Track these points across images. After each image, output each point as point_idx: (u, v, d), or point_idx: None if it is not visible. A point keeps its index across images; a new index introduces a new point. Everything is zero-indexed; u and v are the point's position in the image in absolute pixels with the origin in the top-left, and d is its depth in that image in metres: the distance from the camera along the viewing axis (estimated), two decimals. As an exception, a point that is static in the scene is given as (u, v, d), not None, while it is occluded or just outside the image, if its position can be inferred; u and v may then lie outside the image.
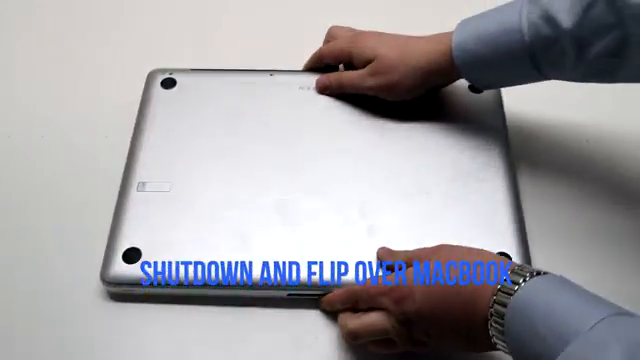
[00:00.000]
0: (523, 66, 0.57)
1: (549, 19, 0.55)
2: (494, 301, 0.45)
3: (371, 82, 0.64)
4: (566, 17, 0.54)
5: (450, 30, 0.61)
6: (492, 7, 0.60)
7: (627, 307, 0.55)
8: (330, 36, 0.70)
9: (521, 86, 0.71)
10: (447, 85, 0.66)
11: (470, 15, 0.61)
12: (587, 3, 0.53)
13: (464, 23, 0.61)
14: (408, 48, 0.63)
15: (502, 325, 0.45)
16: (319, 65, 0.70)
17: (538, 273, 0.46)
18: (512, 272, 0.46)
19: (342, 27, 0.70)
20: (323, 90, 0.68)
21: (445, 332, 0.49)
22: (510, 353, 0.45)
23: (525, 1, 0.57)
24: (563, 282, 0.45)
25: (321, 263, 0.57)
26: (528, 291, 0.44)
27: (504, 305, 0.45)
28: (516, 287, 0.45)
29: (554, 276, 0.46)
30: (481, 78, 0.61)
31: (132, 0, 0.82)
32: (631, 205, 0.64)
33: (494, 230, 0.59)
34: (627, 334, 0.39)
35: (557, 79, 0.58)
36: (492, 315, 0.45)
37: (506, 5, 0.59)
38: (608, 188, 0.65)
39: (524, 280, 0.45)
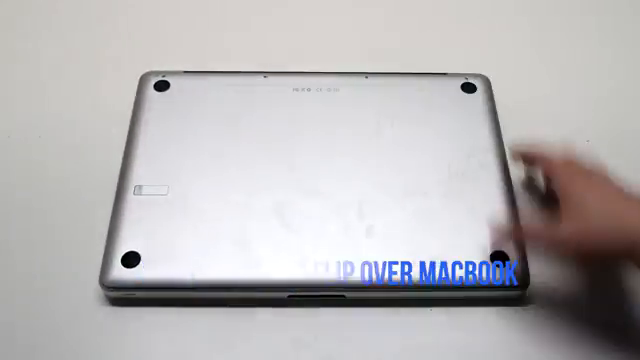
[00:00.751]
0: None
1: None
2: None
3: (565, 232, 0.52)
4: None
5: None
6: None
7: (626, 311, 0.56)
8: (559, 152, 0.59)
9: (515, 87, 0.71)
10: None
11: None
12: None
13: None
14: (621, 205, 0.51)
15: None
16: (521, 160, 0.63)
17: None
18: None
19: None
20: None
21: None
22: None
23: None
24: None
25: (320, 264, 0.57)
26: None
27: None
28: None
29: None
30: None
31: (124, 2, 0.82)
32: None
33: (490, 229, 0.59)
34: None
35: None
36: None
37: None
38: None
39: None
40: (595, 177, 0.54)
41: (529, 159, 0.62)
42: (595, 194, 0.52)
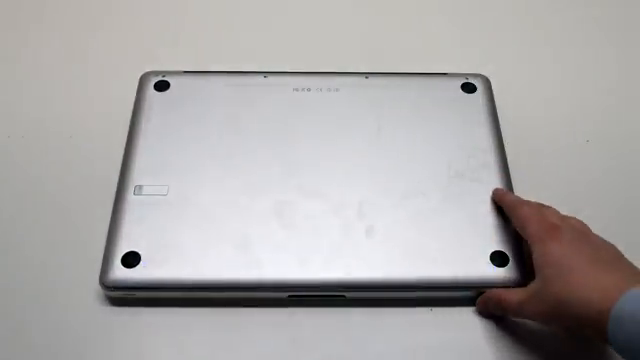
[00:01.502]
0: None
1: None
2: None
3: (530, 310, 0.53)
4: None
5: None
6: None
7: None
8: (541, 207, 0.58)
9: (515, 87, 0.71)
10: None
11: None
12: None
13: (632, 296, 0.48)
14: (579, 280, 0.50)
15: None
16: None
17: None
18: None
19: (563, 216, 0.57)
20: (484, 312, 0.58)
21: None
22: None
23: None
24: None
25: (320, 264, 0.57)
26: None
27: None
28: None
29: None
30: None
31: (124, 2, 0.82)
32: (629, 206, 0.65)
33: (490, 229, 0.60)
34: None
35: None
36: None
37: None
38: (606, 189, 0.66)
39: None
40: (572, 250, 0.52)
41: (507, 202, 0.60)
42: (562, 278, 0.51)
